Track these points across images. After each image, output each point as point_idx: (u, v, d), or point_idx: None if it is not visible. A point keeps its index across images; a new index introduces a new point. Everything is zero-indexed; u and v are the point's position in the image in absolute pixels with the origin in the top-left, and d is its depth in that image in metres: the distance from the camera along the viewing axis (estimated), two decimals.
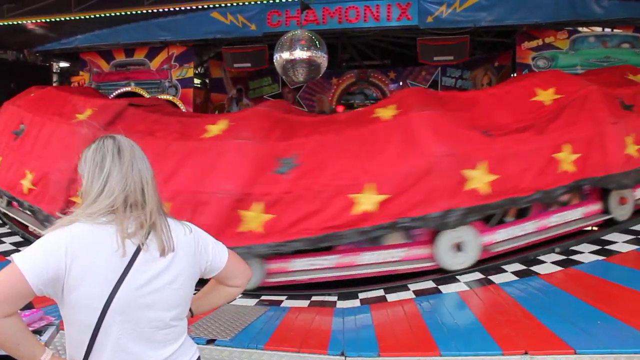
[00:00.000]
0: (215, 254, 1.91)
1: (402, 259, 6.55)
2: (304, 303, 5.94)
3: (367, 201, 6.10)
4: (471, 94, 8.75)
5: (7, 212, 8.67)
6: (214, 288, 2.05)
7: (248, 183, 6.14)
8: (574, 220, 7.13)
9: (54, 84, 13.64)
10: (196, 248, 1.82)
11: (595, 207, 7.30)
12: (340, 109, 14.51)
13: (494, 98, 7.42)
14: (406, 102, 7.00)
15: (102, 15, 10.18)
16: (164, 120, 7.45)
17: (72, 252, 1.56)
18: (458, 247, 6.39)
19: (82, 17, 10.17)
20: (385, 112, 6.85)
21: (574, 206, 7.19)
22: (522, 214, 6.89)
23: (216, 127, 6.95)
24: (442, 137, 6.35)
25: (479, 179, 6.22)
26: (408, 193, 6.14)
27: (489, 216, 6.54)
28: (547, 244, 6.81)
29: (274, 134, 6.68)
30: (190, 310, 1.95)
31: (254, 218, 6.08)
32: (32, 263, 1.54)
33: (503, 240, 6.69)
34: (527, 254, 6.62)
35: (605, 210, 7.28)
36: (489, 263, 6.49)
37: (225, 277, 1.98)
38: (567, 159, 6.60)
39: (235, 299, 2.12)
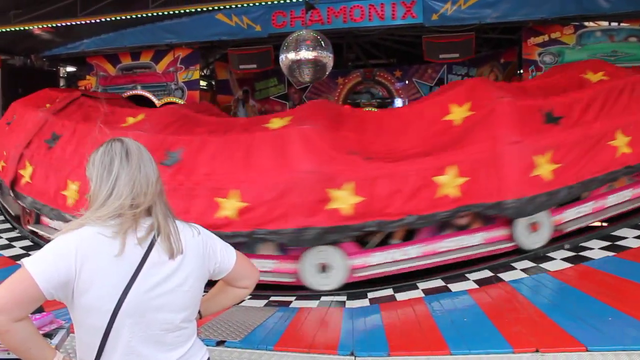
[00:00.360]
0: (224, 256, 1.91)
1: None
2: (313, 303, 5.94)
3: (230, 207, 6.20)
4: (379, 114, 8.51)
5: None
6: (223, 289, 2.05)
7: None
8: (473, 245, 6.64)
9: (63, 87, 13.68)
10: (204, 250, 1.82)
11: (500, 232, 6.70)
12: (346, 107, 14.50)
13: (401, 120, 7.25)
14: (301, 114, 7.07)
15: (108, 19, 10.22)
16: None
17: (82, 256, 1.56)
18: (323, 268, 6.35)
19: (88, 22, 10.21)
20: (277, 122, 6.90)
21: (473, 231, 6.71)
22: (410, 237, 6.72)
23: (132, 119, 7.53)
24: (310, 153, 6.34)
25: (344, 200, 6.14)
26: (267, 205, 6.19)
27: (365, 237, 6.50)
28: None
29: (170, 129, 6.87)
30: (199, 311, 1.95)
31: None
32: (42, 267, 1.54)
33: (379, 264, 6.49)
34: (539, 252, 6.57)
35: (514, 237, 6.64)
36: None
37: (234, 279, 1.98)
38: (450, 183, 6.26)
39: (244, 299, 2.11)
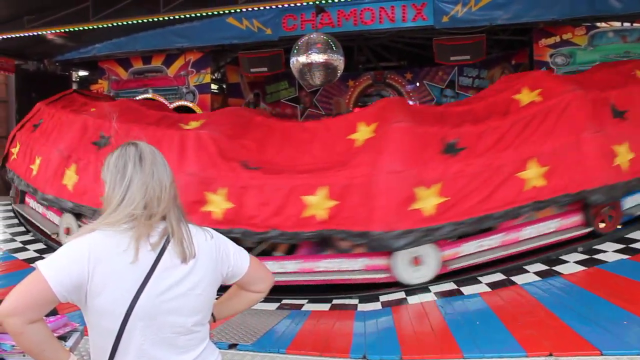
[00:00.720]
0: (237, 260, 1.91)
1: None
2: (325, 307, 5.95)
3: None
4: (292, 125, 8.17)
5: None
6: (236, 293, 2.05)
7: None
8: (352, 270, 6.50)
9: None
10: (217, 254, 1.83)
11: (380, 262, 6.41)
12: (357, 111, 14.49)
13: (310, 133, 7.24)
14: (212, 119, 7.45)
15: (120, 23, 10.27)
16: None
17: (95, 259, 1.57)
18: None
19: (100, 27, 10.28)
20: (192, 124, 7.38)
21: (355, 255, 6.51)
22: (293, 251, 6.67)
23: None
24: (197, 157, 6.59)
25: (217, 204, 6.31)
26: None
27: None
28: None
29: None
30: (212, 315, 1.97)
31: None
32: (55, 270, 1.56)
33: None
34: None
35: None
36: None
37: (247, 283, 1.98)
38: (319, 204, 6.17)
39: (257, 303, 2.11)
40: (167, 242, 1.69)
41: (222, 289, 1.98)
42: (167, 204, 1.73)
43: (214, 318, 2.01)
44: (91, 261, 1.57)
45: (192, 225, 1.81)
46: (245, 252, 1.97)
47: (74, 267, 1.56)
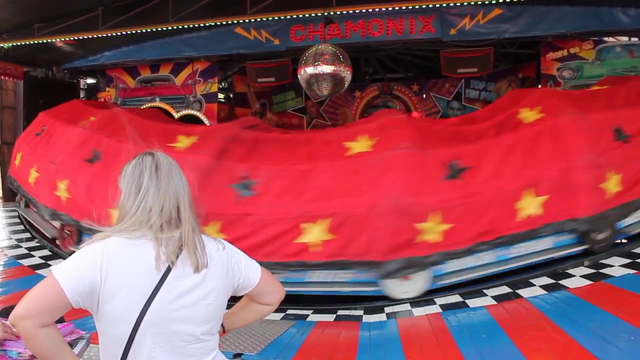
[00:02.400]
0: (248, 272, 1.92)
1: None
2: (330, 317, 5.93)
3: None
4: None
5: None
6: (247, 305, 2.06)
7: None
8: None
9: (93, 100, 13.84)
10: (229, 265, 1.84)
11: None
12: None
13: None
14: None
15: (128, 32, 10.35)
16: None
17: (107, 266, 1.60)
18: None
19: (109, 35, 10.36)
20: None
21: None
22: None
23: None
24: None
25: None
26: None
27: None
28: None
29: None
30: (222, 326, 1.99)
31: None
32: (69, 275, 1.58)
33: None
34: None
35: None
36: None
37: (258, 295, 1.99)
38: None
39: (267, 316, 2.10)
40: (180, 251, 1.70)
41: (233, 300, 1.99)
42: (182, 214, 1.75)
43: (223, 329, 2.03)
44: (104, 268, 1.59)
45: (204, 236, 1.83)
46: (256, 264, 1.98)
47: (87, 273, 1.58)
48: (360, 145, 6.58)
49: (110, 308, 1.61)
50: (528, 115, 6.85)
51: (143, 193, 1.72)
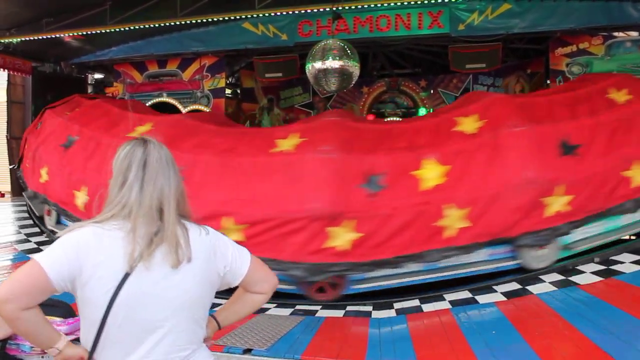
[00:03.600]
0: (236, 259, 1.90)
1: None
2: (339, 313, 5.93)
3: None
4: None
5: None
6: (239, 297, 2.03)
7: None
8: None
9: (91, 93, 13.89)
10: (212, 250, 1.83)
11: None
12: (370, 117, 14.48)
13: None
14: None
15: (136, 27, 10.35)
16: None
17: (86, 251, 1.64)
18: None
19: (117, 30, 10.37)
20: None
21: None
22: None
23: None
24: None
25: None
26: None
27: None
28: None
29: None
30: (217, 322, 2.00)
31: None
32: (51, 259, 1.63)
33: None
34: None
35: None
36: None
37: (249, 283, 1.96)
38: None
39: (262, 306, 2.08)
40: (157, 246, 1.70)
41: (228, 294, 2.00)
42: (165, 214, 1.75)
43: (219, 325, 2.01)
44: (82, 253, 1.63)
45: (189, 223, 1.83)
46: (246, 251, 1.96)
47: (66, 258, 1.63)
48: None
49: (85, 292, 1.64)
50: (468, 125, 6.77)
51: (127, 188, 1.74)
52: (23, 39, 10.86)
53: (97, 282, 1.63)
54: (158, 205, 1.74)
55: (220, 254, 1.85)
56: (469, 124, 6.68)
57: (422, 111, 14.28)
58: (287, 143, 6.74)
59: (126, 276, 1.64)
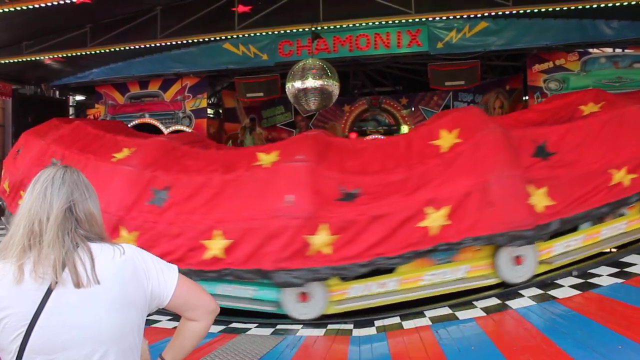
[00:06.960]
0: (160, 277, 1.71)
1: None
2: (320, 332, 5.91)
3: None
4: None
5: None
6: (179, 330, 1.86)
7: None
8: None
9: (70, 117, 13.84)
10: (132, 272, 1.64)
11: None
12: (353, 135, 14.56)
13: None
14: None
15: (117, 49, 10.38)
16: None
17: None
18: None
19: (98, 52, 10.39)
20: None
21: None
22: None
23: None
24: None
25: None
26: None
27: None
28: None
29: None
30: None
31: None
32: None
33: None
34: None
35: None
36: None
37: (181, 308, 1.79)
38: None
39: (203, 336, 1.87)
40: (60, 269, 1.53)
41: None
42: (54, 231, 1.57)
43: None
44: None
45: (98, 244, 1.64)
46: (174, 269, 1.78)
47: None
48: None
49: None
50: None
51: (20, 214, 1.61)
52: (3, 61, 10.81)
53: (4, 326, 1.49)
54: (43, 221, 1.58)
55: (142, 271, 1.66)
56: None
57: (404, 129, 14.39)
58: (267, 159, 6.80)
59: (36, 315, 1.49)
